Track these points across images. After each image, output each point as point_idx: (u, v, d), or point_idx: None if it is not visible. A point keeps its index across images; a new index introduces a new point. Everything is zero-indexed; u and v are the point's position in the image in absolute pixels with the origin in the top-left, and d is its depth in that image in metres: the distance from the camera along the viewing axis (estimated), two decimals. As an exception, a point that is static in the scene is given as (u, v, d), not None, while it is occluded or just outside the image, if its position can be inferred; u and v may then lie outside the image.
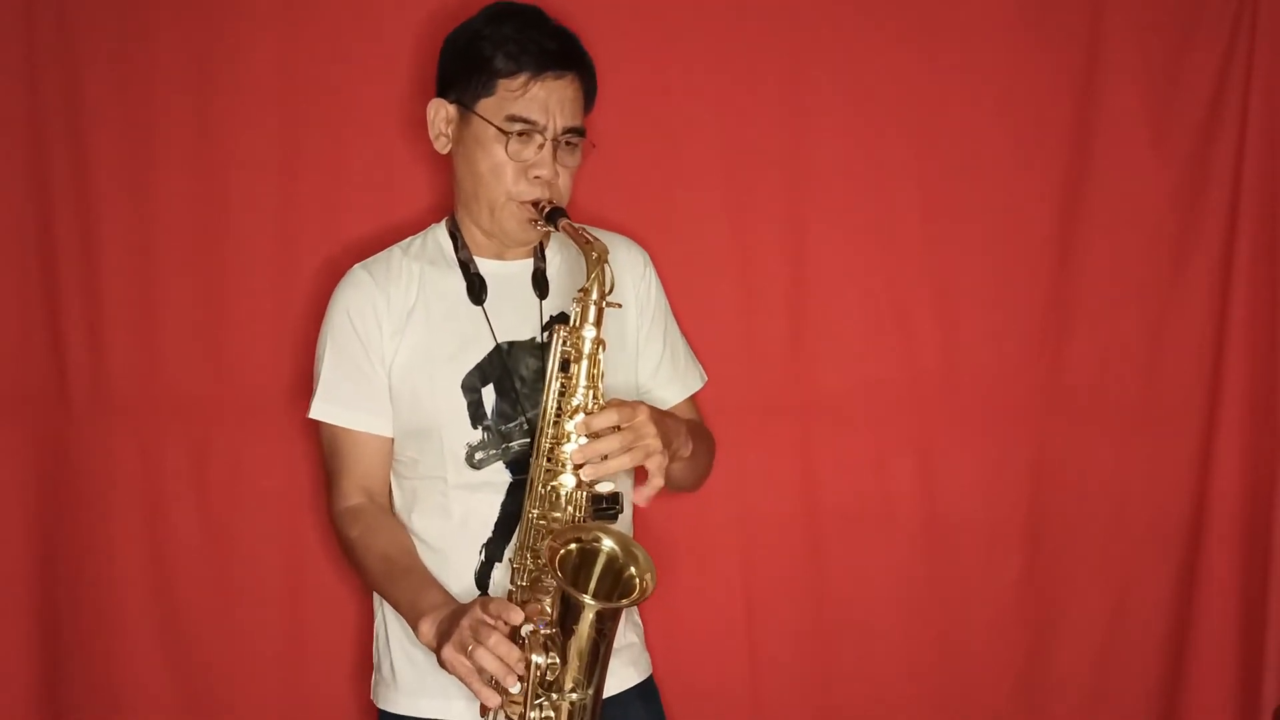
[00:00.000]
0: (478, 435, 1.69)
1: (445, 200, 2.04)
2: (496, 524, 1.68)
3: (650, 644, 1.87)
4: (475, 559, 1.68)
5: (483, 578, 1.68)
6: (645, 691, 1.80)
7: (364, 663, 2.07)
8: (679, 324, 1.92)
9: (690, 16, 2.06)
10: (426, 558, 1.70)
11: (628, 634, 1.79)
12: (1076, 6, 2.07)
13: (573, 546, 1.52)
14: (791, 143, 2.08)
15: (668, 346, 1.85)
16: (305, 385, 2.04)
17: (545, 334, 1.73)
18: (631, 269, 1.81)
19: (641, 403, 1.55)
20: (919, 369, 2.11)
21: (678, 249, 2.05)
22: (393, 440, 1.74)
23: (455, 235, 1.77)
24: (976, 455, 2.11)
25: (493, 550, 1.68)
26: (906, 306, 2.11)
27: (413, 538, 1.72)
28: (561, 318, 1.73)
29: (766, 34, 2.06)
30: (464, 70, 1.68)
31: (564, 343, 1.59)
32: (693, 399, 1.89)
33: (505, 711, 1.51)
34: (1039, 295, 2.11)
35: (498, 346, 1.71)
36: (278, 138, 2.03)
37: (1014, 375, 2.11)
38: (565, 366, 1.59)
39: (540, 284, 1.76)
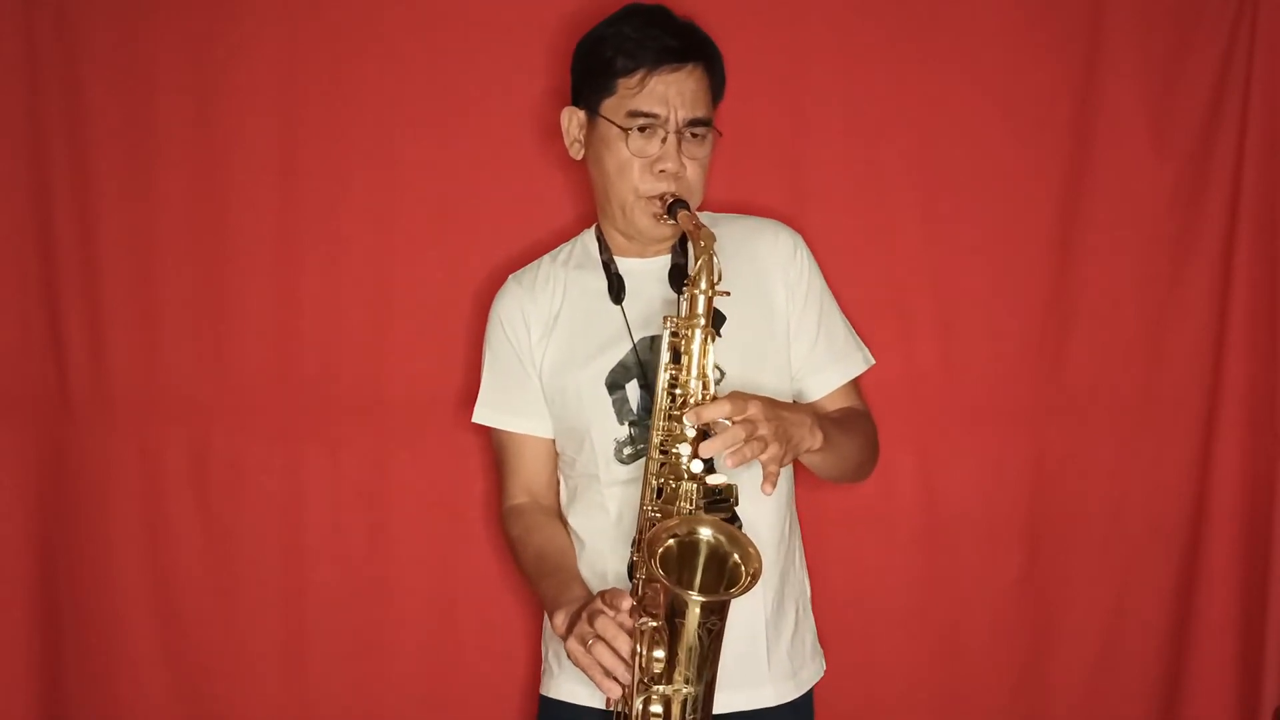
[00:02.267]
0: (625, 431, 1.70)
1: (445, 200, 2.05)
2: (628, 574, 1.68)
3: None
4: (628, 554, 1.68)
5: (634, 572, 1.66)
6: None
7: (365, 663, 2.07)
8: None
9: (690, 17, 2.06)
10: (586, 555, 1.73)
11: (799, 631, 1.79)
12: (1076, 6, 2.07)
13: (673, 541, 1.51)
14: (791, 143, 2.08)
15: (823, 329, 1.79)
16: (306, 385, 2.05)
17: None
18: (778, 253, 1.78)
19: (755, 395, 1.50)
20: (918, 369, 2.11)
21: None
22: (553, 441, 1.79)
23: (600, 238, 1.79)
24: (976, 455, 2.12)
25: None
26: (906, 307, 2.11)
27: (573, 536, 1.76)
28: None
29: (766, 34, 2.06)
30: (588, 74, 1.71)
31: (672, 334, 1.58)
32: (855, 383, 1.83)
33: (622, 704, 1.53)
34: (1039, 295, 2.11)
35: (635, 344, 1.71)
36: (278, 138, 2.03)
37: (1014, 375, 2.11)
38: (676, 358, 1.58)
39: (677, 279, 1.74)
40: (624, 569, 1.68)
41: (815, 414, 1.59)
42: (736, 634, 1.62)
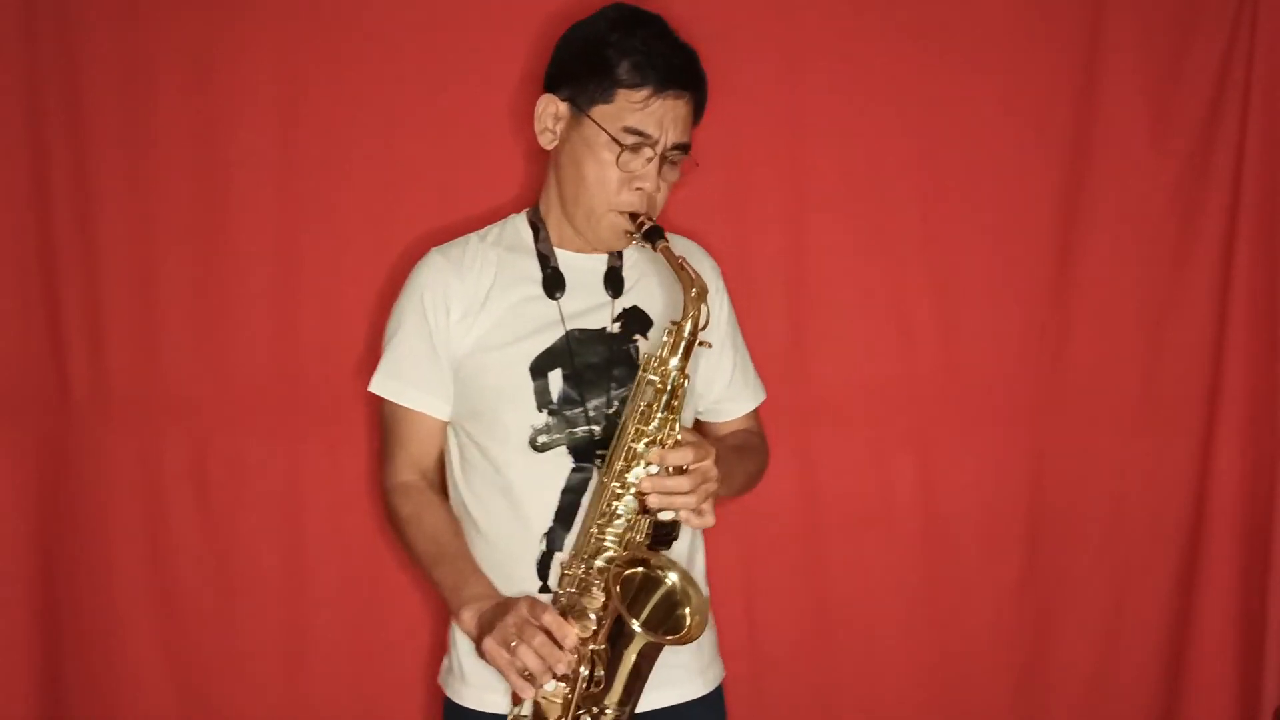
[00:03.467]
0: (543, 419, 1.69)
1: (445, 199, 2.05)
2: (557, 512, 1.68)
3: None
4: (538, 548, 1.68)
5: (543, 567, 1.68)
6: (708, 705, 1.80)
7: (365, 663, 2.07)
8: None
9: (690, 16, 2.06)
10: (488, 549, 1.70)
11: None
12: (1077, 6, 2.07)
13: (638, 570, 1.58)
14: (791, 143, 2.08)
15: (739, 358, 1.88)
16: (306, 385, 2.05)
17: (616, 324, 1.74)
18: (707, 280, 1.78)
19: (713, 447, 1.60)
20: (919, 369, 2.11)
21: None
22: (447, 425, 1.76)
23: (537, 227, 1.78)
24: (976, 455, 2.12)
25: (554, 539, 1.68)
26: (906, 306, 2.11)
27: (467, 516, 1.73)
28: (635, 311, 1.75)
29: (764, 33, 2.06)
30: (584, 72, 1.67)
31: (650, 371, 1.61)
32: (756, 413, 1.92)
33: (540, 702, 1.57)
34: (1039, 295, 2.11)
35: (568, 333, 1.71)
36: (278, 138, 2.03)
37: (1014, 375, 2.11)
38: (651, 396, 1.61)
39: (614, 282, 1.76)
40: (531, 563, 1.68)
41: (719, 452, 1.65)
42: None
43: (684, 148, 1.71)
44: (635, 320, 1.75)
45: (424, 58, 2.03)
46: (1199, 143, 2.08)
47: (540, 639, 1.51)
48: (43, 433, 2.03)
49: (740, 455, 1.81)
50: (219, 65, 2.01)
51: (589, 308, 1.73)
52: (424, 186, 2.05)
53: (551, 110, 1.71)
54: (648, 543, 1.60)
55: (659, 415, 1.60)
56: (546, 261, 1.75)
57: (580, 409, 1.69)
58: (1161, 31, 2.07)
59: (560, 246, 1.76)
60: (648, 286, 1.78)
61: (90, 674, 2.05)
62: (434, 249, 1.78)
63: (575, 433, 1.69)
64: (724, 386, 1.86)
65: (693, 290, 1.61)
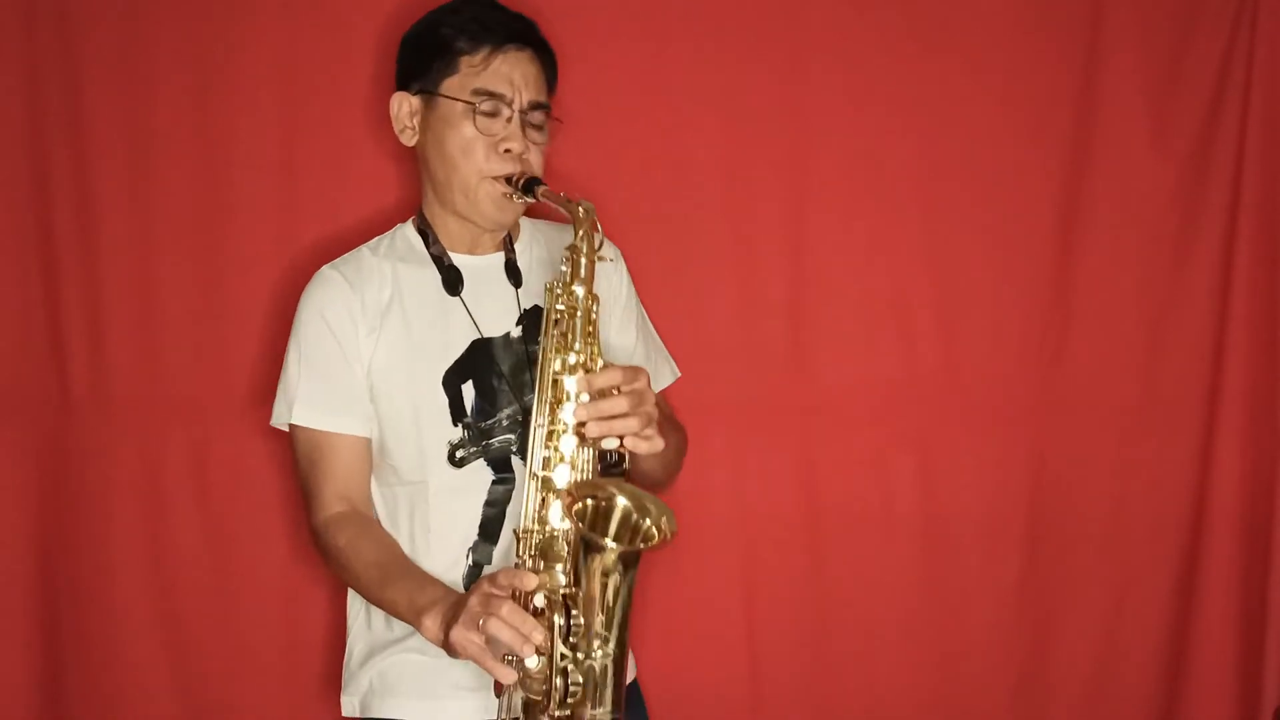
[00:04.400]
0: (458, 433, 1.66)
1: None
2: (481, 526, 1.66)
3: (649, 644, 1.87)
4: (463, 564, 1.65)
5: (471, 582, 1.63)
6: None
7: (364, 663, 2.07)
8: (658, 323, 1.91)
9: (690, 16, 2.06)
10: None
11: None
12: (1077, 6, 2.07)
13: (587, 503, 1.47)
14: (791, 143, 2.08)
15: (641, 337, 1.83)
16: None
17: (520, 326, 1.72)
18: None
19: (644, 370, 1.52)
20: (919, 369, 2.11)
21: (678, 249, 2.05)
22: (371, 443, 1.69)
23: (425, 232, 1.74)
24: (976, 455, 2.11)
25: (479, 555, 1.66)
26: (906, 306, 2.11)
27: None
28: (536, 311, 1.71)
29: (766, 34, 2.06)
30: (425, 57, 1.69)
31: (557, 300, 1.56)
32: (663, 394, 1.87)
33: (523, 689, 1.46)
34: (1039, 295, 2.11)
35: (476, 341, 1.69)
36: (278, 138, 2.03)
37: (1014, 375, 2.11)
38: (559, 324, 1.55)
39: (513, 273, 1.74)
40: (458, 580, 1.64)
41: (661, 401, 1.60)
42: None
43: (542, 107, 1.69)
44: (538, 320, 1.67)
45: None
46: (1199, 143, 2.08)
47: (508, 606, 1.42)
48: (43, 433, 2.03)
49: (671, 425, 1.72)
50: (219, 65, 2.01)
51: (494, 310, 1.71)
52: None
53: (405, 107, 1.72)
54: (595, 476, 1.52)
55: (578, 342, 1.53)
56: (441, 261, 1.72)
57: (495, 419, 1.67)
58: (1161, 31, 2.07)
59: (452, 250, 1.73)
60: (544, 278, 1.72)
61: (90, 674, 2.05)
62: (326, 265, 1.73)
63: (492, 444, 1.66)
64: (623, 352, 1.80)
65: (580, 210, 1.55)
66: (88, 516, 2.04)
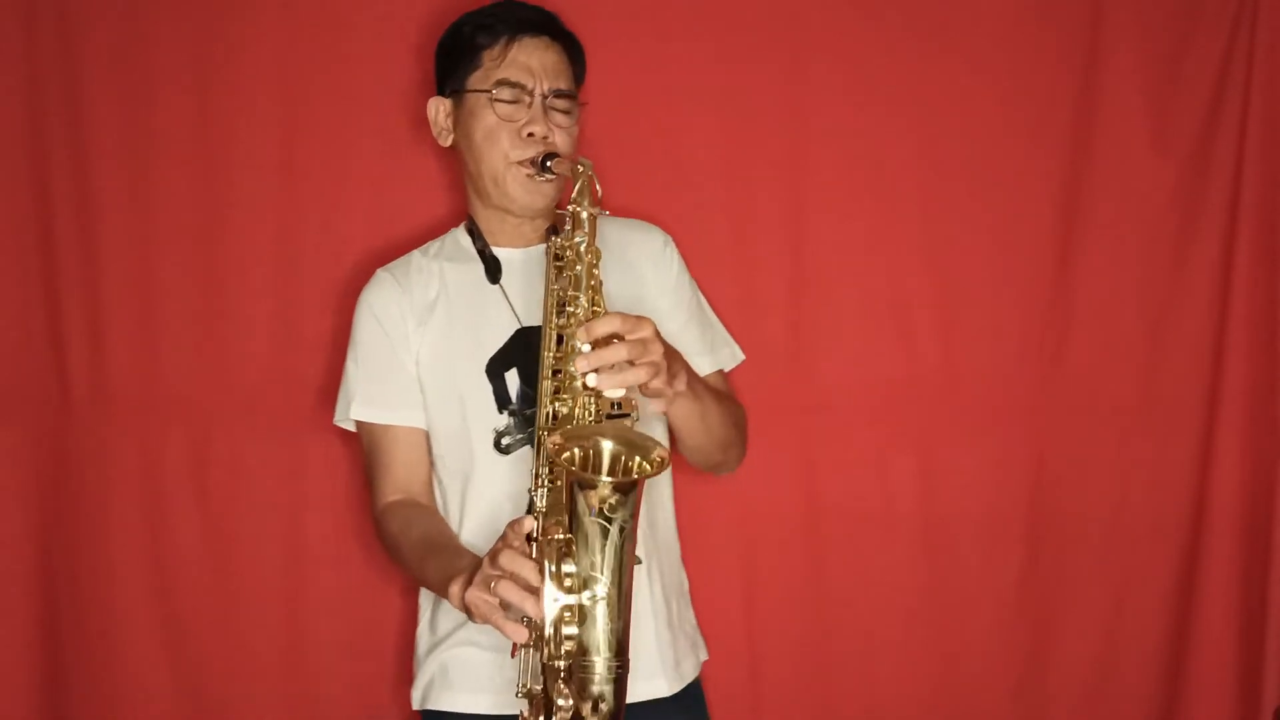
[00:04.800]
0: (504, 420, 1.69)
1: (445, 197, 2.05)
2: (528, 510, 1.64)
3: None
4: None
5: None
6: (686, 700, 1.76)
7: (364, 662, 2.07)
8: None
9: (690, 16, 2.06)
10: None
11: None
12: (1077, 6, 2.07)
13: (575, 451, 1.43)
14: (791, 143, 2.08)
15: (692, 321, 1.82)
16: (305, 385, 2.05)
17: None
18: (648, 250, 1.81)
19: (649, 319, 1.46)
20: (919, 369, 2.11)
21: (678, 248, 2.05)
22: (427, 434, 1.74)
23: (473, 231, 1.79)
24: (976, 455, 2.11)
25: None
26: (906, 306, 2.11)
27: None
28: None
29: (766, 34, 2.06)
30: (452, 59, 1.75)
31: (559, 253, 1.56)
32: (726, 379, 1.87)
33: (535, 649, 1.44)
34: (1039, 295, 2.11)
35: (519, 330, 1.71)
36: (278, 138, 2.03)
37: (1014, 375, 2.11)
38: (562, 276, 1.55)
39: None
40: None
41: (684, 361, 1.57)
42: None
43: (566, 95, 1.72)
44: None
45: (425, 57, 2.03)
46: (1199, 143, 2.08)
47: (507, 554, 1.41)
48: (43, 433, 2.03)
49: (710, 389, 1.70)
50: (219, 65, 2.01)
51: (533, 298, 1.71)
52: (424, 186, 2.05)
53: (440, 109, 1.77)
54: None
55: (582, 296, 1.51)
56: (484, 253, 1.76)
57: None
58: (1161, 31, 2.07)
59: (496, 245, 1.77)
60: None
61: (90, 674, 2.05)
62: (379, 269, 1.80)
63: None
64: (670, 335, 1.72)
65: (579, 168, 1.56)
66: (88, 516, 2.04)
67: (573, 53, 1.77)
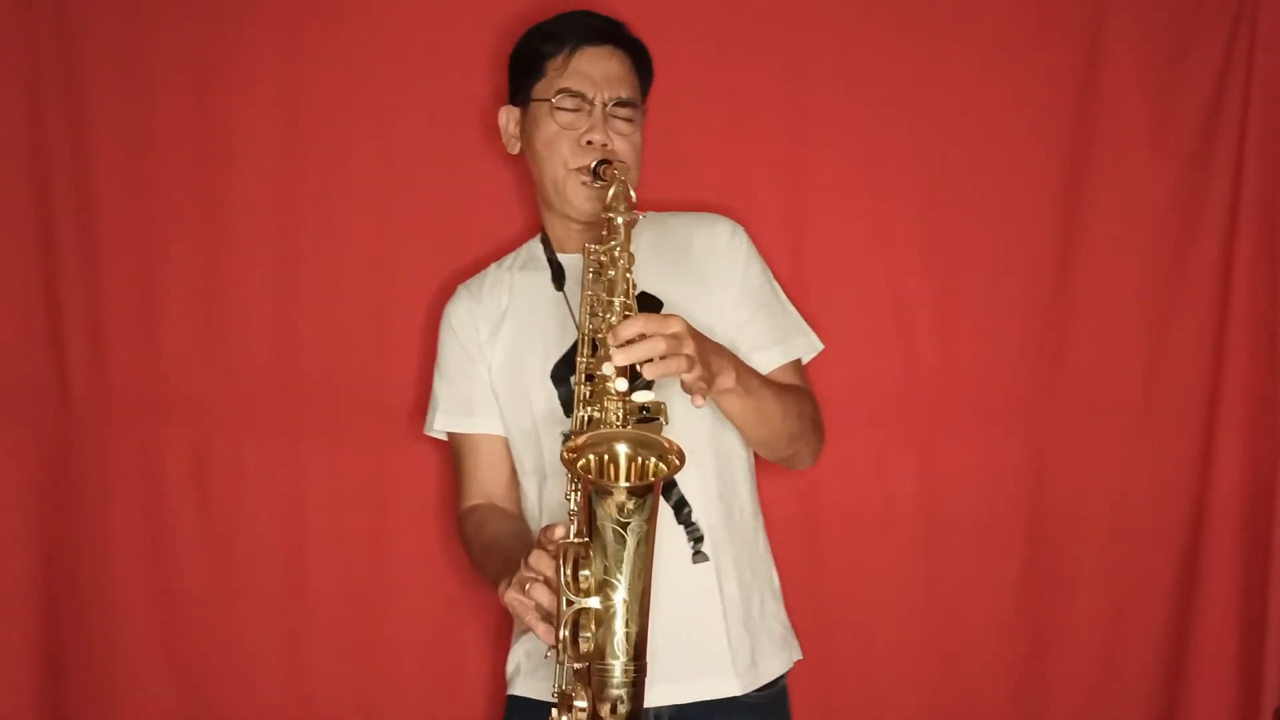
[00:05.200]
0: (571, 423, 1.68)
1: (445, 200, 2.05)
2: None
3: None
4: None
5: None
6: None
7: (363, 662, 2.07)
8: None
9: (690, 16, 2.06)
10: None
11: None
12: (1077, 6, 2.07)
13: (590, 458, 1.44)
14: (791, 143, 2.08)
15: (762, 310, 1.79)
16: (306, 385, 2.05)
17: None
18: (715, 242, 1.78)
19: (677, 316, 1.46)
20: (919, 369, 2.11)
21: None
22: (507, 440, 1.79)
23: (545, 239, 1.82)
24: (976, 455, 2.11)
25: None
26: (907, 307, 2.11)
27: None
28: (641, 298, 1.69)
29: (766, 34, 2.06)
30: (519, 69, 1.78)
31: (593, 258, 1.57)
32: (800, 370, 1.83)
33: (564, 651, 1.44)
34: (1039, 295, 2.10)
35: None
36: (278, 138, 2.03)
37: (1014, 375, 2.11)
38: (597, 283, 1.56)
39: None
40: None
41: (734, 357, 1.57)
42: (691, 623, 1.65)
43: (628, 103, 1.73)
44: (642, 304, 1.68)
45: (425, 58, 2.04)
46: (1199, 142, 2.08)
47: (535, 554, 1.44)
48: (43, 432, 2.03)
49: (767, 384, 1.66)
50: (220, 65, 2.01)
51: None
52: (424, 187, 2.05)
53: (511, 118, 1.80)
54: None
55: (615, 300, 1.51)
56: (551, 260, 1.79)
57: None
58: (1161, 31, 2.07)
59: (563, 251, 1.80)
60: (654, 270, 1.73)
61: (90, 674, 2.05)
62: (460, 285, 1.86)
63: None
64: (740, 337, 1.74)
65: (613, 171, 1.59)
66: (88, 516, 2.04)
67: (639, 61, 1.79)
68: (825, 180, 2.09)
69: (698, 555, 1.69)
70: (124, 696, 2.05)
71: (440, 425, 1.84)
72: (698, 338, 1.48)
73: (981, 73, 2.07)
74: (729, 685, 1.70)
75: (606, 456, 1.45)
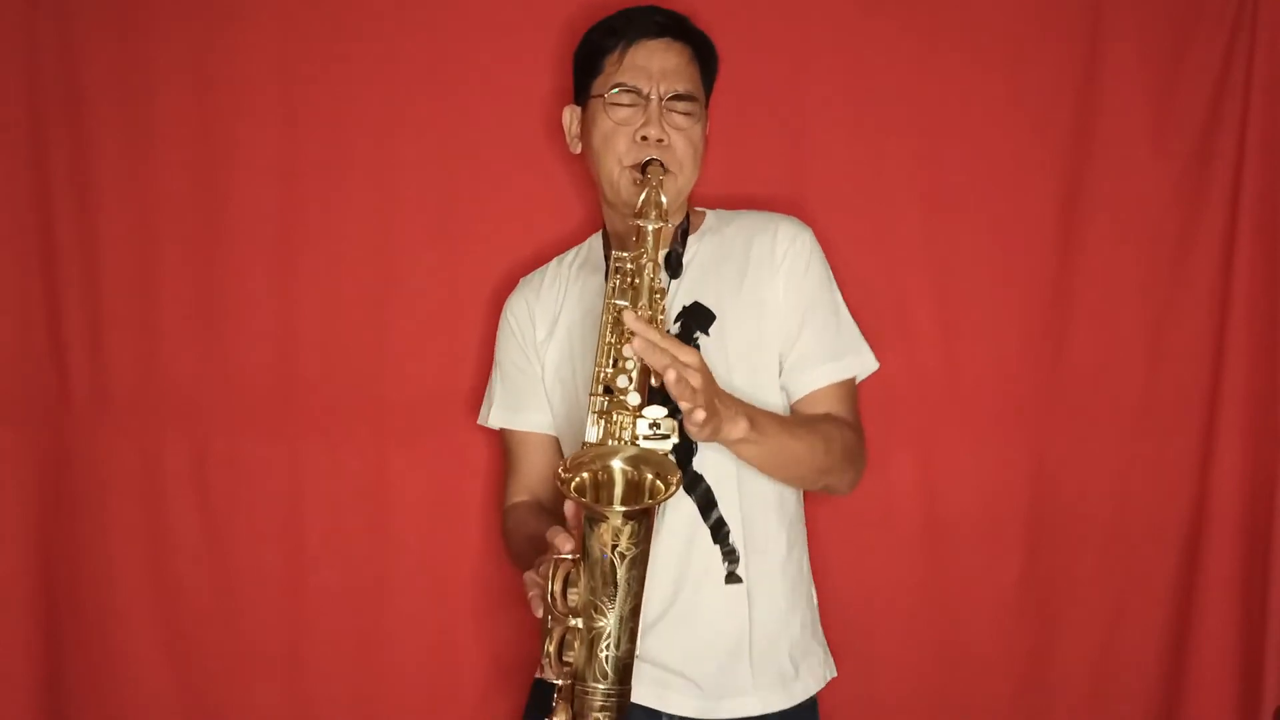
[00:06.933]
0: None
1: (445, 200, 2.06)
2: None
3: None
4: None
5: None
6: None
7: (362, 661, 2.07)
8: None
9: (690, 16, 2.06)
10: None
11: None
12: (1077, 6, 2.07)
13: (584, 476, 1.42)
14: (792, 142, 2.08)
15: (811, 326, 1.72)
16: (306, 385, 2.05)
17: (676, 323, 1.69)
18: (775, 247, 1.73)
19: (697, 351, 1.42)
20: (919, 369, 2.11)
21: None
22: (557, 439, 1.80)
23: (606, 239, 1.80)
24: (977, 455, 2.11)
25: None
26: (907, 306, 2.11)
27: None
28: (696, 308, 1.69)
29: (766, 33, 2.06)
30: (582, 68, 1.76)
31: (617, 266, 1.54)
32: (847, 390, 1.76)
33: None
34: (1039, 295, 2.10)
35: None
36: (278, 138, 2.03)
37: (1014, 375, 2.11)
38: (624, 294, 1.52)
39: (673, 266, 1.72)
40: None
41: (750, 408, 1.53)
42: (718, 643, 1.65)
43: (686, 97, 1.69)
44: (695, 317, 1.69)
45: (424, 58, 2.04)
46: (1199, 142, 2.08)
47: (542, 562, 1.45)
48: (43, 433, 2.03)
49: (786, 426, 1.61)
50: (219, 65, 2.02)
51: None
52: (424, 187, 2.05)
53: (574, 117, 1.78)
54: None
55: (643, 304, 1.48)
56: (608, 260, 1.72)
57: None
58: (1161, 31, 2.07)
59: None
60: (712, 281, 1.71)
61: (90, 674, 2.05)
62: (521, 279, 1.87)
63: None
64: (788, 354, 1.70)
65: (644, 175, 1.59)
66: (88, 516, 2.04)
67: (701, 54, 1.74)
68: (825, 180, 2.09)
69: (731, 577, 1.68)
70: (124, 696, 2.05)
71: (494, 420, 1.85)
72: (709, 379, 1.43)
73: (982, 73, 2.07)
74: (751, 705, 1.69)
75: (602, 474, 1.44)
